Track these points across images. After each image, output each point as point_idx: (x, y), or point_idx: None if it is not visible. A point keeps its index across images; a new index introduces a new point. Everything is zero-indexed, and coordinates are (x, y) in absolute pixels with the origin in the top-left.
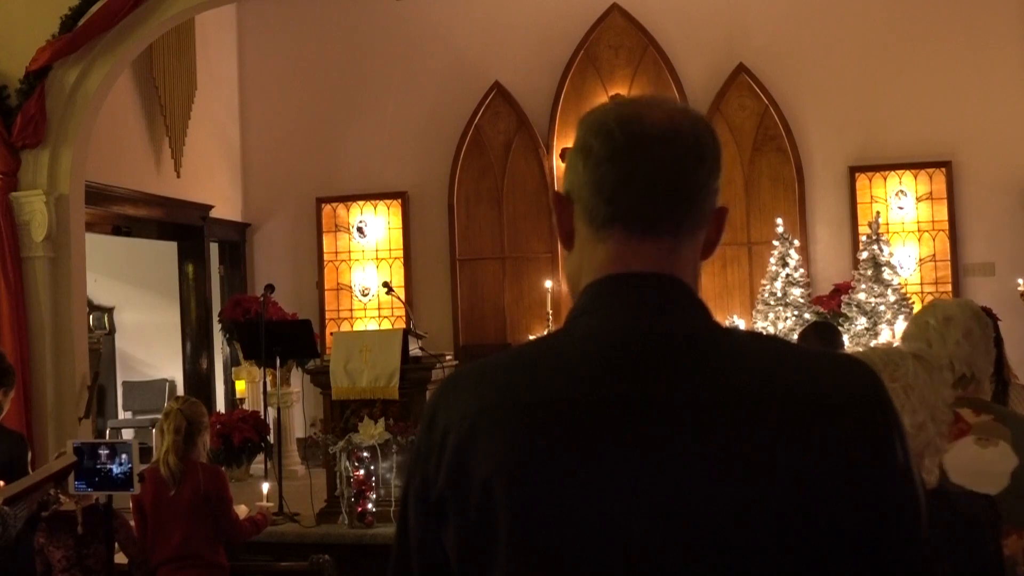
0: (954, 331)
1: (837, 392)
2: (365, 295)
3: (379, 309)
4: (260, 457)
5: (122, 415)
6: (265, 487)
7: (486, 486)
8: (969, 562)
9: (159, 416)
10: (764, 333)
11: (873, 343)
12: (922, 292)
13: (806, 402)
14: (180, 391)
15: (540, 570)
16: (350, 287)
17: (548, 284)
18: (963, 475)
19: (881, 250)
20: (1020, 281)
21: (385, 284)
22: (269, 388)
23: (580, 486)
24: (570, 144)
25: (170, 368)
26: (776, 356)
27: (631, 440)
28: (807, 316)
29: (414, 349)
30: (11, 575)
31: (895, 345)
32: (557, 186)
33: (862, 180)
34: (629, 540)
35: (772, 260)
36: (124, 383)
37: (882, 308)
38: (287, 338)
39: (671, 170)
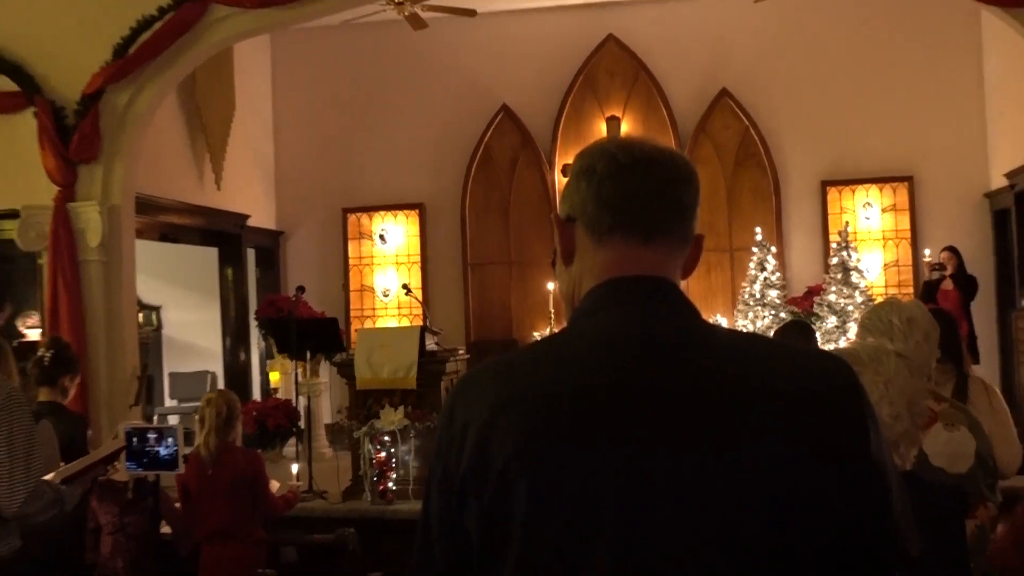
0: (916, 332)
1: (818, 385)
2: (386, 296)
3: (399, 308)
4: (292, 441)
5: (168, 403)
6: (295, 468)
7: (504, 471)
8: (933, 543)
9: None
10: (748, 332)
11: (843, 340)
12: (887, 294)
13: (790, 394)
14: (221, 382)
15: (552, 542)
16: (373, 288)
17: (550, 286)
18: (941, 458)
19: (850, 256)
20: (926, 252)
21: (404, 286)
22: (300, 379)
23: (585, 469)
24: (570, 160)
25: (212, 361)
26: (763, 353)
27: (631, 428)
28: (783, 315)
29: (430, 344)
30: (67, 534)
31: (871, 340)
32: (558, 198)
33: (832, 193)
34: (621, 521)
35: (752, 265)
36: (170, 374)
37: (850, 308)
38: (316, 334)
39: (667, 186)
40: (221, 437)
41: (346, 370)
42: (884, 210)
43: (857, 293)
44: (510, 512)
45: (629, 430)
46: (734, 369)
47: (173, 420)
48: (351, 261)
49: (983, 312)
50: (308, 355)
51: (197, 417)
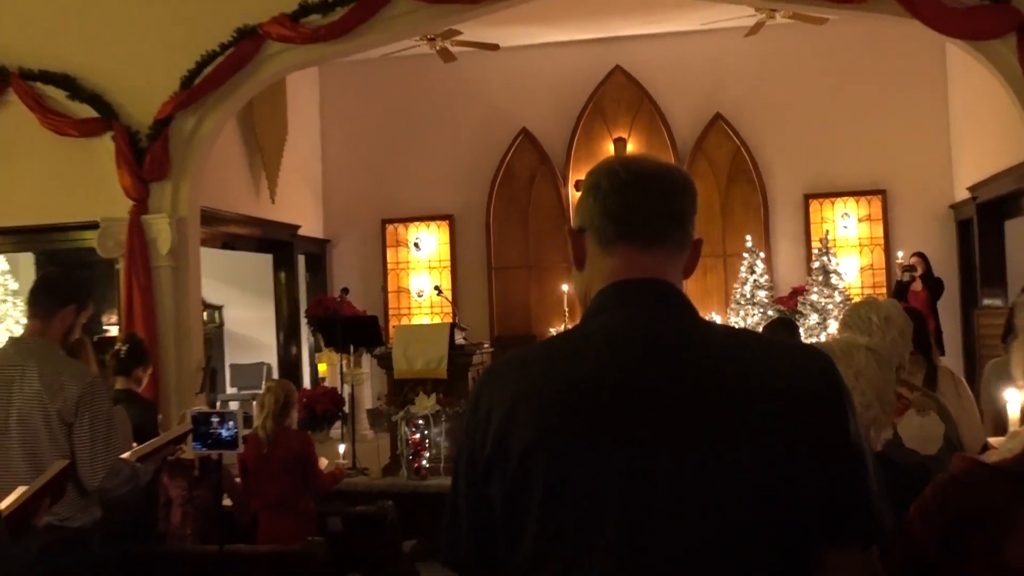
0: (892, 329)
1: (804, 379)
2: (420, 296)
3: (431, 307)
4: (337, 424)
5: (229, 390)
6: (341, 448)
7: (523, 453)
8: (901, 519)
9: (259, 391)
10: (743, 329)
11: (823, 335)
12: (863, 294)
13: (789, 394)
14: (275, 372)
15: (563, 531)
16: (408, 290)
17: (564, 288)
18: (914, 441)
19: (829, 261)
20: (899, 254)
21: (436, 287)
22: (344, 369)
23: (593, 469)
24: (582, 177)
25: (267, 353)
26: (761, 352)
27: (634, 430)
28: (770, 313)
29: (458, 339)
30: (141, 506)
31: (845, 336)
32: (572, 211)
33: (814, 205)
34: (623, 521)
35: (743, 268)
36: (231, 365)
37: (830, 307)
38: (359, 330)
39: (664, 198)
40: (277, 421)
41: (385, 362)
42: (860, 220)
43: (836, 293)
44: (529, 496)
45: (632, 432)
46: (734, 369)
47: (234, 406)
48: (389, 266)
49: (948, 310)
50: (351, 348)
51: (256, 403)
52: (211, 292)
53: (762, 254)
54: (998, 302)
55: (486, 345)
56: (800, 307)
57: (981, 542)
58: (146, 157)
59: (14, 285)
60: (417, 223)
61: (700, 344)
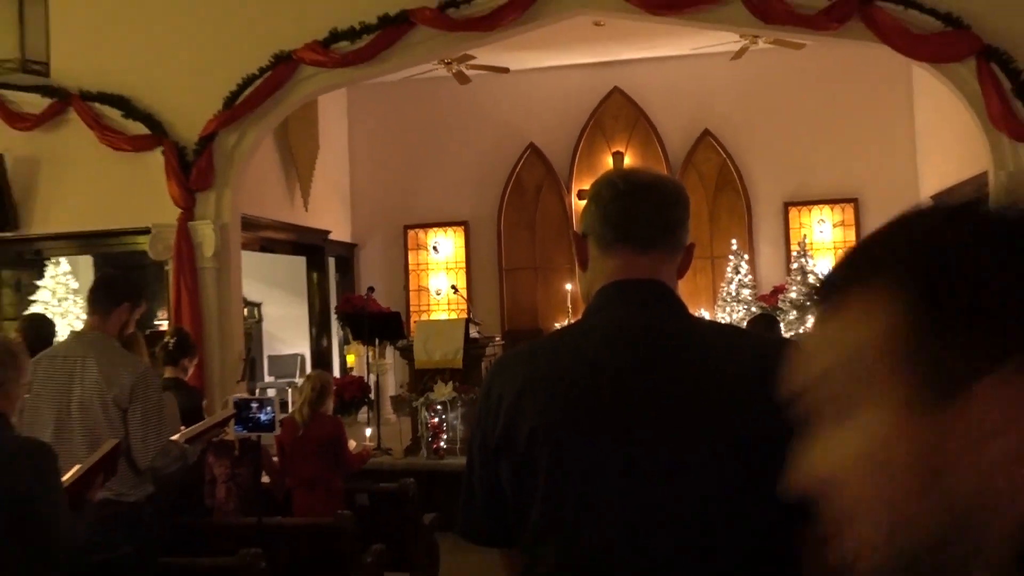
0: None
1: (780, 370)
2: (438, 294)
3: (448, 304)
4: (364, 409)
5: (267, 379)
6: (368, 431)
7: (531, 435)
8: None
9: (296, 380)
10: (730, 325)
11: (801, 330)
12: None
13: (759, 379)
14: (308, 363)
15: (568, 492)
16: (427, 289)
17: (568, 287)
18: None
19: (807, 262)
20: None
21: (452, 287)
22: (370, 360)
23: (592, 466)
24: (584, 187)
25: (301, 346)
26: (753, 348)
27: (634, 430)
28: (754, 309)
29: (473, 333)
30: (189, 483)
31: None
32: (575, 219)
33: (793, 212)
34: (623, 519)
35: (729, 269)
36: (269, 356)
37: (808, 304)
38: (383, 325)
39: (658, 207)
40: (313, 407)
41: (407, 353)
42: (835, 225)
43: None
44: (534, 479)
45: (632, 431)
46: (733, 369)
47: (271, 392)
48: (410, 267)
49: None
50: (377, 341)
51: (296, 390)
52: (251, 291)
53: (746, 256)
54: None
55: (497, 338)
56: (780, 304)
57: None
58: (192, 169)
59: (75, 284)
60: (435, 229)
61: (699, 344)
